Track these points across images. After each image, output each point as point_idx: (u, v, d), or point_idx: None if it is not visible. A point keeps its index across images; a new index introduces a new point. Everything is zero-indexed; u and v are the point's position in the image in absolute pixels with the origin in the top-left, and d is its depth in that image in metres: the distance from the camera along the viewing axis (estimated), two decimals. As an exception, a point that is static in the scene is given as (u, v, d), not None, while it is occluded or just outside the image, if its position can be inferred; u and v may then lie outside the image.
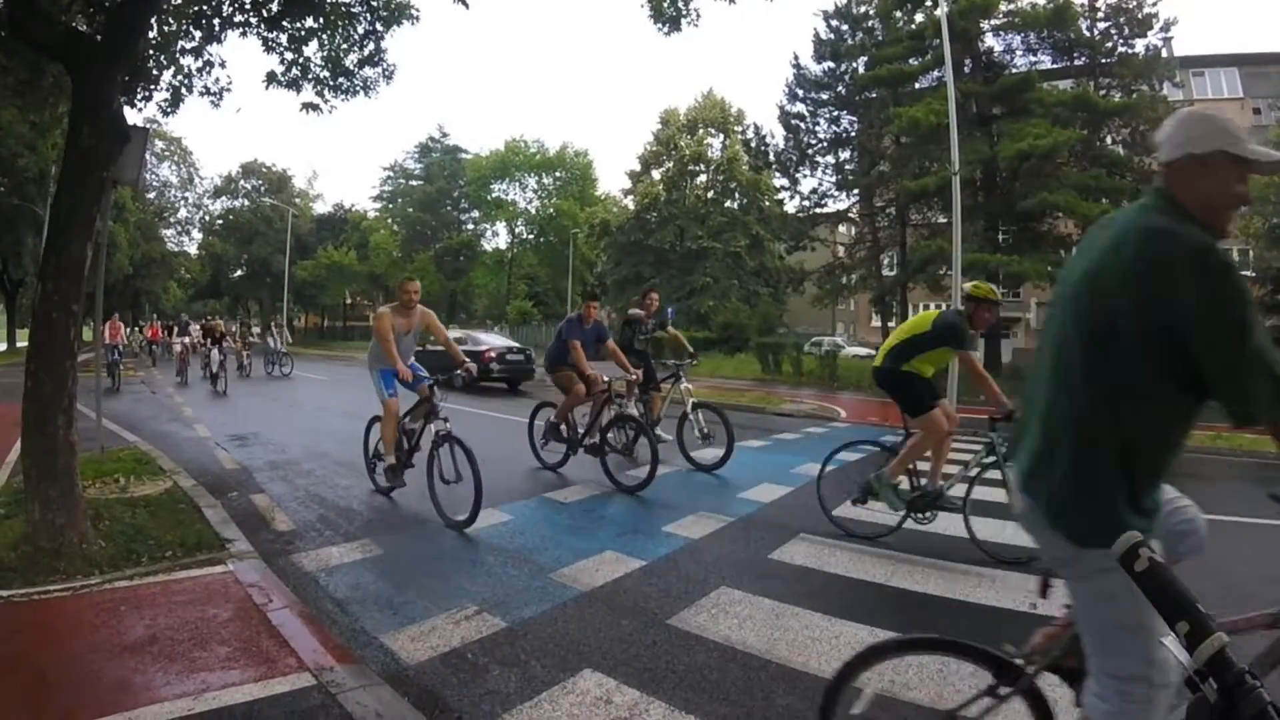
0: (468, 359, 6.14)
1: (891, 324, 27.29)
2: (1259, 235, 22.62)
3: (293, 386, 18.20)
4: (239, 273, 56.68)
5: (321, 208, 60.79)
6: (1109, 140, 22.86)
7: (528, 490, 6.32)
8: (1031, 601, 3.95)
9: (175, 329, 21.03)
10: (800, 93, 28.88)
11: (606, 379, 7.12)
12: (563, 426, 7.22)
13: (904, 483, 5.06)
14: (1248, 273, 23.96)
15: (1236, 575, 4.59)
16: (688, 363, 8.28)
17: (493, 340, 18.68)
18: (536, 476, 6.94)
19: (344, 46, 6.77)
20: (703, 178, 42.10)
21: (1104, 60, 22.39)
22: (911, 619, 3.65)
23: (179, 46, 6.45)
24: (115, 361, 15.66)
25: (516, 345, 18.47)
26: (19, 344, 30.33)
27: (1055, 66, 23.71)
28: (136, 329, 34.02)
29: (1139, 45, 22.05)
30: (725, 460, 7.22)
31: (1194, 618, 0.91)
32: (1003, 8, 21.85)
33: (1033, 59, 23.72)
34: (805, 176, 29.40)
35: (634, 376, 7.52)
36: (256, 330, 37.73)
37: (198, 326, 20.34)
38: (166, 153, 51.05)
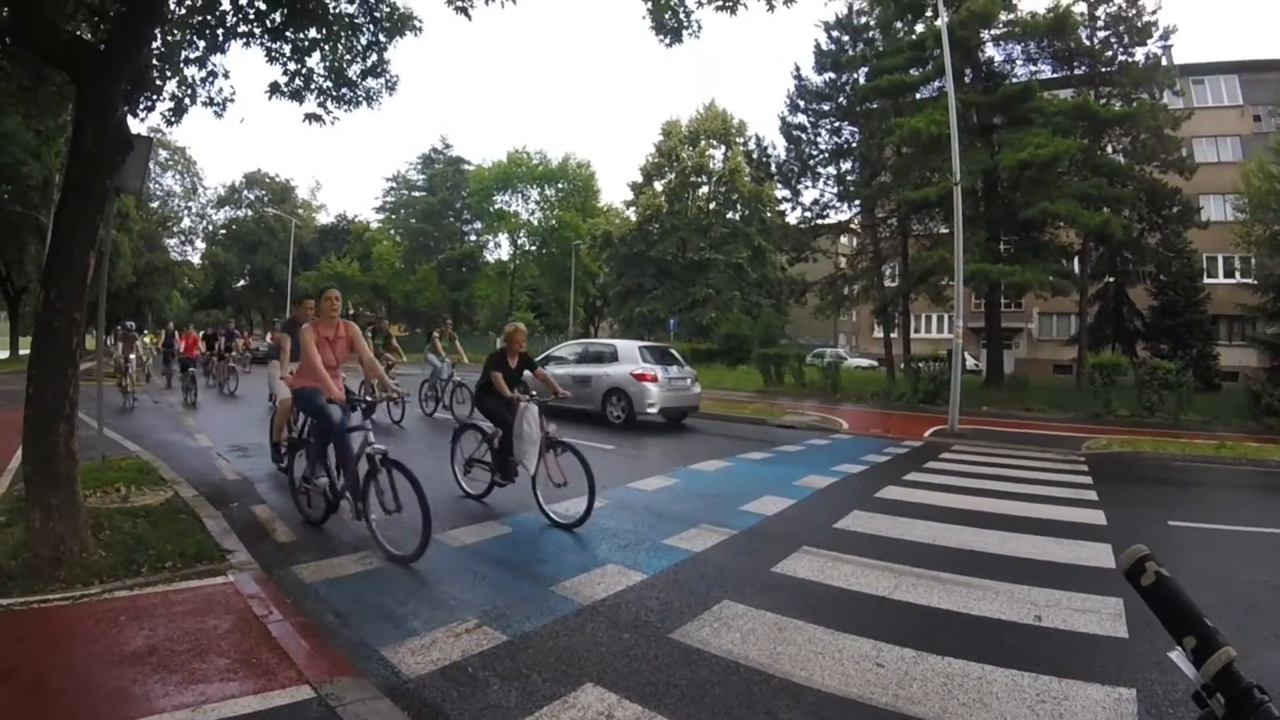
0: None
1: (894, 335, 27.23)
2: (1261, 243, 22.59)
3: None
4: (242, 282, 56.94)
5: (324, 218, 61.30)
6: (1109, 149, 22.89)
7: (528, 503, 6.28)
8: (1036, 614, 3.94)
9: (229, 338, 13.44)
10: (801, 103, 28.96)
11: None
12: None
13: None
14: (1249, 280, 23.96)
15: (1241, 584, 4.59)
16: None
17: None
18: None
19: (347, 57, 6.81)
20: (704, 189, 42.23)
21: (1104, 69, 22.41)
22: (914, 632, 3.63)
23: (183, 56, 6.48)
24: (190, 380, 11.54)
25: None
26: (21, 352, 30.39)
27: (1055, 75, 23.73)
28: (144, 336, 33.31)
29: (1139, 53, 22.11)
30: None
31: (1201, 632, 0.89)
32: (1003, 17, 21.83)
33: (1033, 68, 23.75)
34: (807, 187, 29.44)
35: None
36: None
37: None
38: (170, 162, 51.40)
